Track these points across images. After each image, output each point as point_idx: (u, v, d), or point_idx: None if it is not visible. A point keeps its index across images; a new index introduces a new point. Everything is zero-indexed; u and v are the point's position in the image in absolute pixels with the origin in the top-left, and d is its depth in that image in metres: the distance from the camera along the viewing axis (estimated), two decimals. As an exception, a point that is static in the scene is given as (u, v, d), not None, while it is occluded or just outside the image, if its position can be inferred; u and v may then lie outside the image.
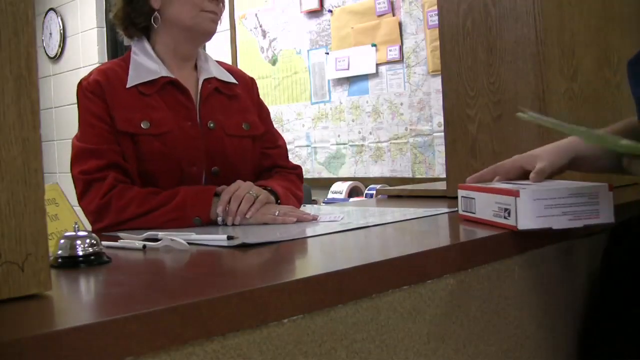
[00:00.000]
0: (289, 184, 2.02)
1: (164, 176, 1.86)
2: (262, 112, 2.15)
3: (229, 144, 1.96)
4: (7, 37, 0.92)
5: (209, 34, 1.96)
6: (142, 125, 1.85)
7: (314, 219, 1.74)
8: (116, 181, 1.80)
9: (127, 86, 1.89)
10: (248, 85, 2.14)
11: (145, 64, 1.93)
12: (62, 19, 6.28)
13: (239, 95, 2.06)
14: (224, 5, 1.99)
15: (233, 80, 2.07)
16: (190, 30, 1.93)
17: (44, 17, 6.39)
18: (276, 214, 1.74)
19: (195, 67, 2.03)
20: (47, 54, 6.39)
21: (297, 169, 2.17)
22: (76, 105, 1.93)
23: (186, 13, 1.91)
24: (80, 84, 1.93)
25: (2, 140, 0.90)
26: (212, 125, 1.94)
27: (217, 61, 2.11)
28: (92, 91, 1.88)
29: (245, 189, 1.78)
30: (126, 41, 2.07)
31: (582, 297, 1.69)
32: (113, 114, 1.85)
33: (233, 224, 1.75)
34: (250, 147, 2.03)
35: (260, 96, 2.21)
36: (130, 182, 1.83)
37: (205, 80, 1.99)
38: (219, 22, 1.98)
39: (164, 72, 1.92)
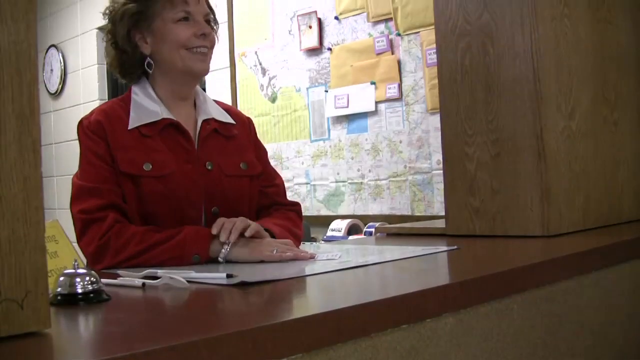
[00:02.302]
0: (287, 222, 2.02)
1: (164, 217, 1.86)
2: (259, 151, 2.16)
3: (228, 184, 1.97)
4: (10, 76, 0.93)
5: (201, 74, 1.99)
6: (144, 167, 1.85)
7: (312, 257, 1.74)
8: (115, 221, 1.80)
9: (129, 128, 1.90)
10: (245, 125, 2.16)
11: (146, 105, 1.94)
12: (63, 56, 6.32)
13: (236, 135, 2.08)
14: (215, 37, 2.01)
15: (231, 121, 2.08)
16: (182, 72, 1.96)
17: (45, 54, 6.43)
18: (274, 252, 1.74)
19: (194, 105, 2.05)
20: (47, 90, 6.42)
21: (296, 205, 2.17)
22: (76, 141, 1.93)
23: (175, 55, 1.93)
24: (81, 123, 1.93)
25: (3, 178, 0.91)
26: (210, 166, 1.95)
27: (214, 100, 2.13)
28: (93, 131, 1.89)
29: (240, 219, 1.80)
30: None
31: (585, 336, 1.69)
32: (115, 155, 1.86)
33: (231, 262, 1.75)
34: (248, 186, 2.04)
35: (260, 134, 2.22)
36: (128, 223, 1.83)
37: (204, 121, 2.00)
38: (211, 55, 1.99)
39: (165, 113, 1.93)
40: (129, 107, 1.94)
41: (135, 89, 1.99)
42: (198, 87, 2.08)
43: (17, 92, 0.93)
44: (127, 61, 2.00)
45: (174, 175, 1.87)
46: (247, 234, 1.76)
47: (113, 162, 1.85)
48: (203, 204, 1.92)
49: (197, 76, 2.00)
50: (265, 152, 2.21)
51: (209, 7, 2.03)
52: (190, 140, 1.95)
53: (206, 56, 1.96)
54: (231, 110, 2.16)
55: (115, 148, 1.86)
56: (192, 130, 1.98)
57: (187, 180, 1.89)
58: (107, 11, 2.01)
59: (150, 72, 1.98)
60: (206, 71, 1.99)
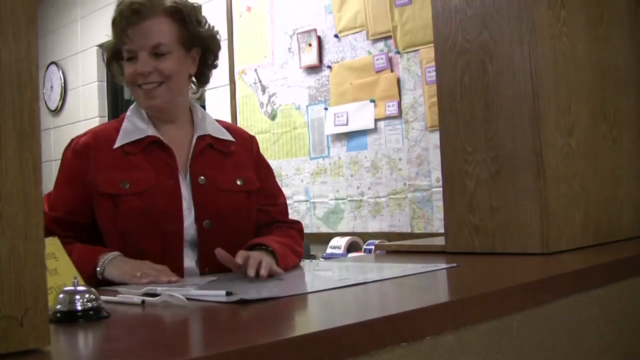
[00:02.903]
0: (289, 239, 2.03)
1: (144, 235, 1.89)
2: (262, 168, 2.16)
3: (222, 198, 1.99)
4: (11, 93, 0.93)
5: (150, 109, 2.00)
6: (121, 186, 1.89)
7: (170, 282, 1.70)
8: None
9: (114, 146, 1.94)
10: (246, 142, 2.16)
11: (136, 124, 1.99)
12: (63, 73, 6.34)
13: (234, 152, 2.08)
14: (166, 68, 1.93)
15: (229, 138, 2.09)
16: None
17: (46, 71, 6.45)
18: (138, 275, 1.73)
19: (192, 122, 2.07)
20: (47, 107, 6.43)
21: (297, 223, 2.18)
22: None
23: (130, 90, 2.02)
24: (70, 143, 2.00)
25: (3, 195, 0.91)
26: (202, 180, 1.97)
27: (217, 120, 2.14)
28: (77, 151, 1.95)
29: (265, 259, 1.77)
30: (127, 95, 2.14)
31: (585, 354, 1.68)
32: (95, 176, 1.90)
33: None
34: (245, 201, 2.05)
35: (260, 151, 2.21)
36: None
37: (199, 137, 2.02)
38: (167, 86, 1.94)
39: (150, 131, 1.97)
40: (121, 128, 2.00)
41: (129, 110, 2.05)
42: (197, 106, 2.12)
43: (18, 109, 0.93)
44: (121, 82, 2.09)
45: (152, 191, 1.91)
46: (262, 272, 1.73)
47: (85, 183, 1.90)
48: (182, 221, 1.93)
49: (150, 111, 2.00)
50: (269, 169, 2.21)
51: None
52: (173, 156, 1.97)
53: (154, 92, 1.94)
54: (231, 127, 2.17)
55: (97, 169, 1.91)
56: (187, 146, 2.01)
57: (166, 196, 1.92)
58: None
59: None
60: (155, 106, 1.97)
